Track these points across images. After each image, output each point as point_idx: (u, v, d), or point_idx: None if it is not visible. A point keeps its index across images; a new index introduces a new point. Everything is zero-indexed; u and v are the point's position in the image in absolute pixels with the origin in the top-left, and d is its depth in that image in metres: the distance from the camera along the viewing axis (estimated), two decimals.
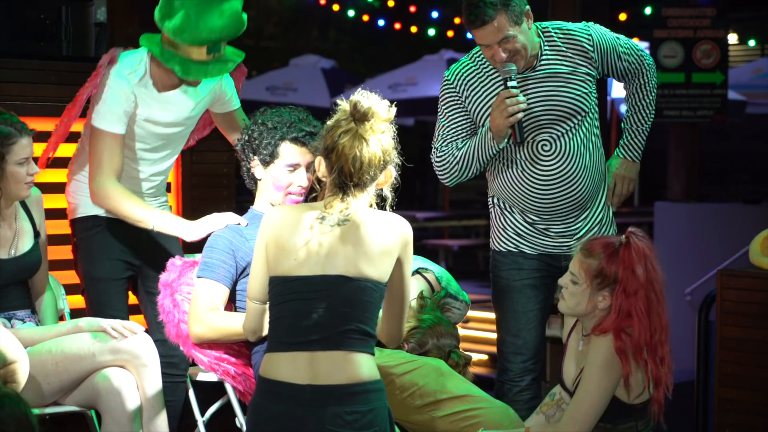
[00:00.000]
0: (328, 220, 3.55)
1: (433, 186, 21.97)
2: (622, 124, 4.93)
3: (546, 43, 4.71)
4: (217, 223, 4.50)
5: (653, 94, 4.89)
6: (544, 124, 4.72)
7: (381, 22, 17.87)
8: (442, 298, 4.73)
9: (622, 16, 14.18)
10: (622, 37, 4.85)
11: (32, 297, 4.71)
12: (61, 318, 4.91)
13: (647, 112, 4.89)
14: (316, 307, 3.51)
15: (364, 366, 3.51)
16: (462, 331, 5.33)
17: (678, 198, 10.51)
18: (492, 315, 9.75)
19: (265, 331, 3.84)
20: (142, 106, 4.77)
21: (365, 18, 18.13)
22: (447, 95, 4.81)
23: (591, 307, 4.06)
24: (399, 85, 14.67)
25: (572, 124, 4.74)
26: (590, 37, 4.74)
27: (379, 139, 3.59)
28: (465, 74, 4.77)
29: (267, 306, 3.75)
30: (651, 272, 4.02)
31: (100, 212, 4.86)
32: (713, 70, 10.26)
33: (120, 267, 4.90)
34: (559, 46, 4.73)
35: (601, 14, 10.28)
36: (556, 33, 4.74)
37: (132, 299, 5.03)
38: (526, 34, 4.59)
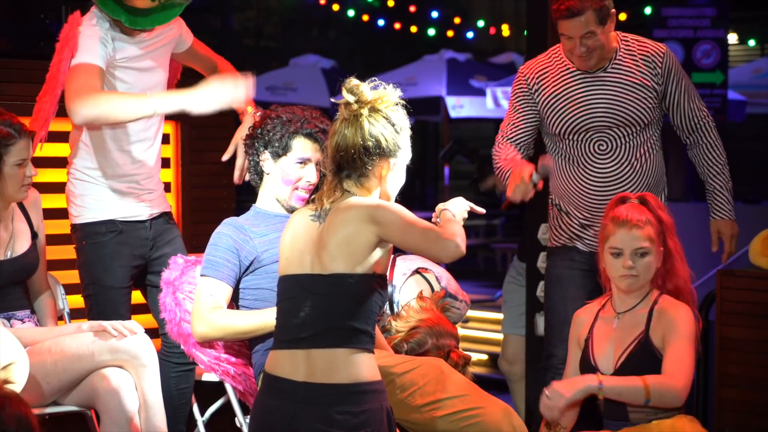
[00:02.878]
0: (314, 215, 3.60)
1: (432, 186, 21.98)
2: (706, 192, 5.08)
3: (622, 50, 4.93)
4: (223, 94, 4.50)
5: (723, 156, 5.03)
6: (604, 126, 4.92)
7: (381, 22, 17.88)
8: (442, 297, 4.73)
9: (622, 16, 14.16)
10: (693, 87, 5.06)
11: (31, 297, 4.71)
12: (61, 318, 4.90)
13: (724, 175, 5.03)
14: (303, 305, 3.53)
15: (362, 366, 3.51)
16: (462, 331, 5.33)
17: (677, 197, 10.51)
18: (492, 315, 9.77)
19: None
20: (120, 49, 4.72)
21: (365, 18, 18.14)
22: (518, 87, 5.07)
23: (656, 266, 4.26)
24: (399, 85, 14.59)
25: (630, 131, 4.94)
26: (663, 57, 4.93)
27: (358, 124, 3.57)
28: (539, 67, 5.04)
29: None
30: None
31: (115, 216, 4.82)
32: (713, 69, 10.27)
33: (129, 274, 4.87)
34: (633, 56, 4.93)
35: None
36: (633, 43, 4.95)
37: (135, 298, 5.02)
38: (607, 35, 4.84)
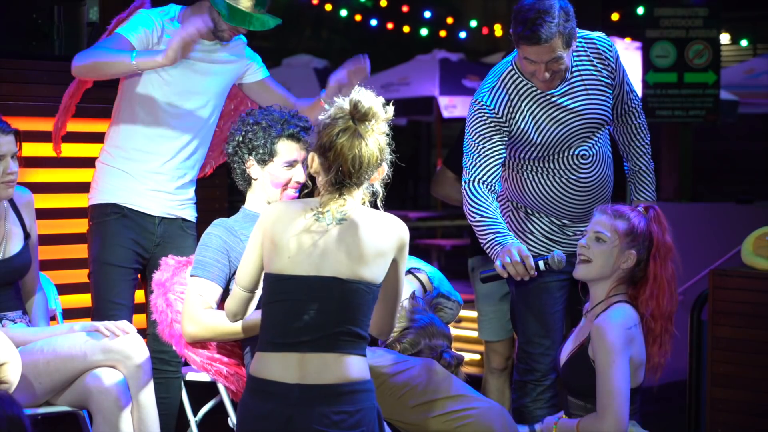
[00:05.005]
0: (325, 218, 3.55)
1: (425, 186, 21.96)
2: (627, 169, 4.99)
3: (574, 53, 4.69)
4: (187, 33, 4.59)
5: (648, 137, 4.96)
6: (582, 135, 4.76)
7: (373, 22, 17.85)
8: (434, 298, 4.73)
9: (615, 16, 14.18)
10: None
11: (23, 298, 4.70)
12: (53, 318, 4.90)
13: (649, 156, 4.96)
14: (308, 308, 3.51)
15: (353, 366, 3.51)
16: (454, 331, 5.33)
17: (670, 198, 10.52)
18: None
19: (246, 315, 3.92)
20: (167, 42, 4.79)
21: (358, 18, 18.11)
22: (483, 119, 4.70)
23: (616, 266, 4.20)
24: (391, 84, 14.64)
25: (601, 133, 4.81)
26: (611, 48, 4.76)
27: (377, 139, 3.58)
28: (502, 97, 4.71)
29: (252, 295, 3.82)
30: (673, 243, 4.25)
31: (120, 200, 4.88)
32: (705, 69, 10.27)
33: (130, 256, 4.90)
34: (588, 55, 4.74)
35: (594, 14, 10.27)
36: (580, 42, 4.73)
37: (137, 297, 5.02)
38: (570, 56, 4.60)
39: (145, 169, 4.89)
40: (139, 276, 4.99)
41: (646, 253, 4.20)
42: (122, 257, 4.88)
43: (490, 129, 4.70)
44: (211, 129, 5.04)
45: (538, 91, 4.70)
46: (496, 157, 4.69)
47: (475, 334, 9.53)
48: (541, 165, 4.80)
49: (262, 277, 3.67)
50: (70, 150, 5.20)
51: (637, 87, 10.04)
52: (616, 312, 4.12)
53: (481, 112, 4.71)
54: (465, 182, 4.70)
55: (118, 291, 4.84)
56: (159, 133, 4.86)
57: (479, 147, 4.70)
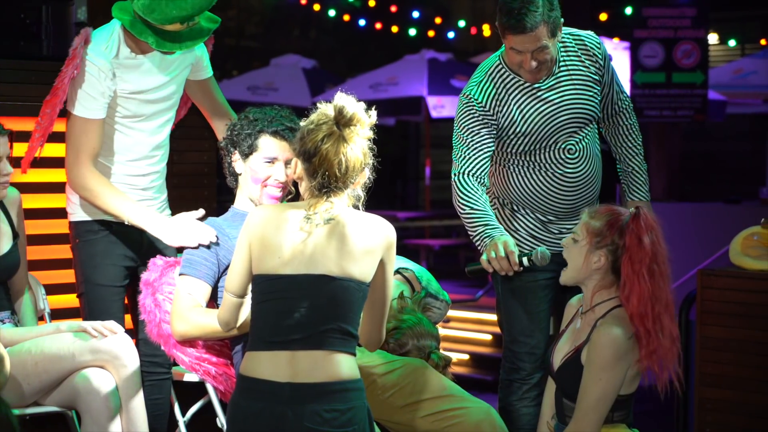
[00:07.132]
0: (313, 219, 3.58)
1: (414, 186, 21.98)
2: (619, 170, 4.99)
3: (561, 48, 4.74)
4: (193, 237, 4.48)
5: (640, 138, 4.97)
6: (569, 129, 4.77)
7: (362, 22, 17.88)
8: (423, 298, 4.73)
9: (603, 16, 14.22)
10: None
11: (11, 298, 4.69)
12: (41, 318, 4.89)
13: (641, 156, 4.96)
14: (299, 306, 3.53)
15: (343, 365, 3.54)
16: (443, 331, 5.33)
17: (658, 198, 10.55)
18: (473, 315, 9.73)
19: (238, 323, 3.89)
20: (125, 81, 4.74)
21: (346, 18, 18.14)
22: (470, 113, 4.73)
23: (586, 266, 4.14)
24: (380, 84, 14.64)
25: (589, 129, 4.82)
26: (599, 46, 4.79)
27: (361, 144, 3.63)
28: (489, 90, 4.74)
29: (243, 300, 3.80)
30: (656, 244, 4.11)
31: (107, 217, 4.83)
32: (693, 70, 10.31)
33: (121, 274, 4.87)
34: (575, 51, 4.77)
35: (582, 14, 10.29)
36: (568, 38, 4.76)
37: None
38: (555, 46, 4.63)
39: (122, 179, 4.83)
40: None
41: (616, 255, 4.14)
42: (114, 277, 4.85)
43: (478, 122, 4.74)
44: (171, 120, 5.00)
45: (525, 85, 4.73)
46: (485, 150, 4.72)
47: (464, 334, 9.56)
48: (528, 159, 4.82)
49: (252, 279, 3.68)
50: (60, 150, 5.19)
51: (626, 87, 10.05)
52: (617, 319, 4.09)
53: (469, 106, 4.75)
54: (454, 175, 4.73)
55: (113, 311, 4.81)
56: (136, 133, 4.82)
57: (468, 140, 4.73)
